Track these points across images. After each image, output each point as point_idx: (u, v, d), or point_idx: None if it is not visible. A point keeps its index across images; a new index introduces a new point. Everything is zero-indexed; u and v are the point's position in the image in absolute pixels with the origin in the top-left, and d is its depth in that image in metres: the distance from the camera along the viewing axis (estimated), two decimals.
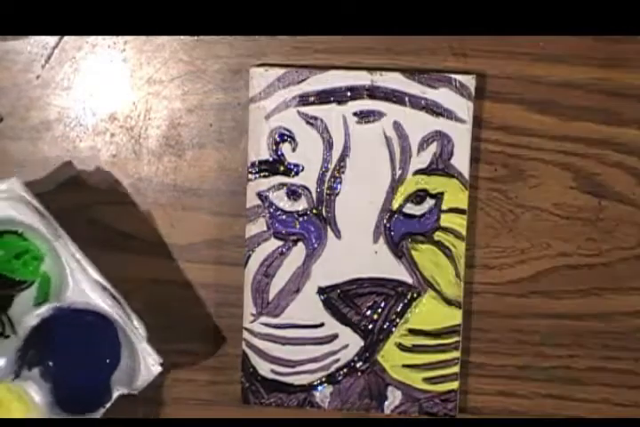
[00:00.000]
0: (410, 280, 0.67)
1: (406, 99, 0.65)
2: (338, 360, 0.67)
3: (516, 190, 0.67)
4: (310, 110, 0.65)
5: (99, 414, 0.63)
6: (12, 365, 0.62)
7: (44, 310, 0.62)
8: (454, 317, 0.67)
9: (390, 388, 0.67)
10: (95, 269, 0.62)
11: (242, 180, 0.67)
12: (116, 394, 0.63)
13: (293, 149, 0.66)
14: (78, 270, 0.61)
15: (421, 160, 0.66)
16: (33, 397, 0.62)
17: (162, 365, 0.62)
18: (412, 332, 0.67)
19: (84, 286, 0.61)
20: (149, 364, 0.62)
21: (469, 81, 0.65)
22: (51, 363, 0.64)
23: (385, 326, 0.67)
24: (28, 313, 0.62)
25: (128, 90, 0.67)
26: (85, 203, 0.68)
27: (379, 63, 0.66)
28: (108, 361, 0.64)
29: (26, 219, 0.60)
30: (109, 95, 0.67)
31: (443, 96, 0.65)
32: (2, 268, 0.64)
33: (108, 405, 0.63)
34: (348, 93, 0.65)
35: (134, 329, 0.62)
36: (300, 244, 0.66)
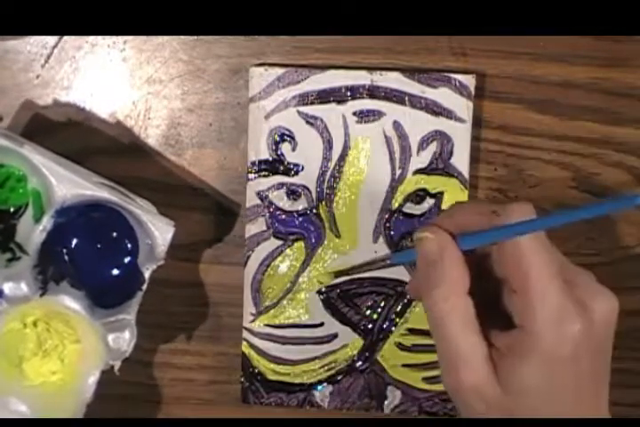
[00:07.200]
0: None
1: (406, 98, 0.65)
2: (337, 360, 0.67)
3: (516, 190, 0.67)
4: (310, 110, 0.65)
5: (139, 298, 0.62)
6: (33, 283, 0.61)
7: (45, 222, 0.61)
8: None
9: (390, 387, 0.67)
10: (72, 162, 0.61)
11: (242, 179, 0.67)
12: (147, 273, 0.62)
13: (293, 149, 0.66)
14: (57, 169, 0.60)
15: (421, 160, 0.66)
16: (70, 306, 0.61)
17: (174, 226, 0.62)
18: (412, 331, 0.67)
19: (70, 181, 0.60)
20: (162, 230, 0.61)
21: (469, 80, 0.65)
22: (75, 270, 0.63)
23: (385, 326, 0.67)
24: (33, 231, 0.61)
25: (128, 89, 0.67)
26: None
27: (379, 63, 0.66)
28: (129, 247, 0.63)
29: None
30: (109, 95, 0.67)
31: (442, 96, 0.65)
32: None
33: (144, 286, 0.62)
34: (348, 93, 0.65)
35: (139, 207, 0.62)
36: (300, 243, 0.66)
